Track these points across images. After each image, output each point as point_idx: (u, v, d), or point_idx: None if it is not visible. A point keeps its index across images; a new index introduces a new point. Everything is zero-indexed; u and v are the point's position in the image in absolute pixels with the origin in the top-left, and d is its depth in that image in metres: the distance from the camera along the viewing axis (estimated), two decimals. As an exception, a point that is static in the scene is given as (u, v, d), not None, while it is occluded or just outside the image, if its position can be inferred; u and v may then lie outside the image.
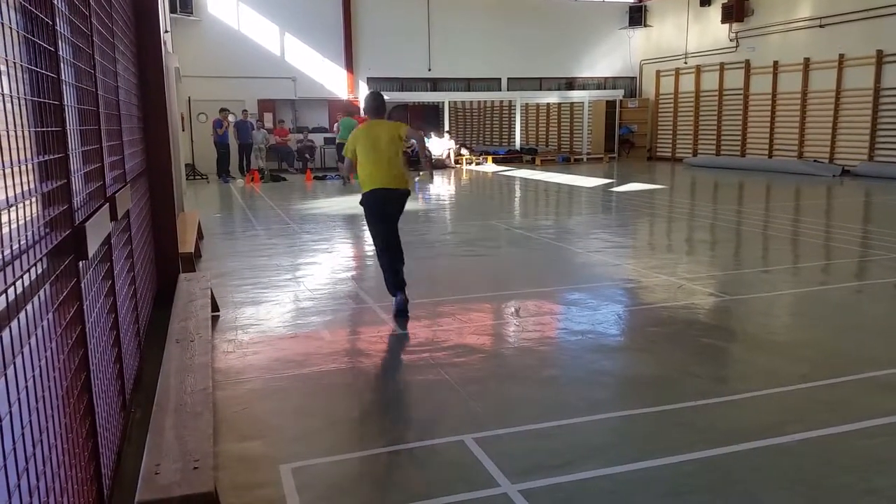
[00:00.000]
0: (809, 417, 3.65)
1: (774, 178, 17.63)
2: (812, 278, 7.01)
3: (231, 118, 19.41)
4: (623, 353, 4.84)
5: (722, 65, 22.26)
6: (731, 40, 21.86)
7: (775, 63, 20.34)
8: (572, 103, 26.10)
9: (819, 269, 7.46)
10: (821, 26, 18.90)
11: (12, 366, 1.67)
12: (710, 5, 22.51)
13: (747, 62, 21.34)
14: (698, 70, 23.25)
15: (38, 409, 1.90)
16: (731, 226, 10.45)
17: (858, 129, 18.15)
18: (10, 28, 1.85)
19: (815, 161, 18.88)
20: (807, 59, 19.31)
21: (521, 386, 4.17)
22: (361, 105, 22.86)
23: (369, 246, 9.68)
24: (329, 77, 22.81)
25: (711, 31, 22.55)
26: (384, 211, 5.71)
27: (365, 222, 5.97)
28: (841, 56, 18.37)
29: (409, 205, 5.99)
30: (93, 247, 2.62)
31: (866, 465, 3.13)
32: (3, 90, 1.72)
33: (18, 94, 1.92)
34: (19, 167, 1.84)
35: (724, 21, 21.64)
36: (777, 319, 5.66)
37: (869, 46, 17.61)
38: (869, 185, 15.56)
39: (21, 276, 1.77)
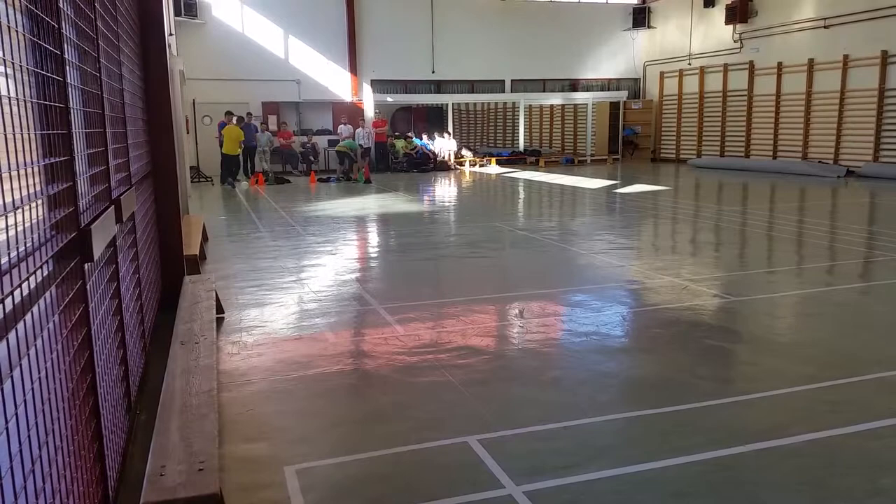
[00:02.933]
0: (815, 418, 3.64)
1: (779, 179, 17.59)
2: (817, 279, 6.99)
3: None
4: (628, 355, 4.83)
5: (726, 66, 22.24)
6: (734, 41, 21.83)
7: (779, 64, 20.31)
8: (576, 105, 26.12)
9: (824, 270, 7.44)
10: (825, 27, 18.87)
11: (18, 367, 1.67)
12: (713, 6, 22.49)
13: (751, 63, 21.32)
14: (702, 71, 23.23)
15: (43, 410, 1.91)
16: (736, 227, 10.43)
17: (863, 130, 18.11)
18: (17, 31, 1.85)
19: (819, 162, 18.85)
20: (811, 60, 19.28)
21: (526, 387, 4.17)
22: (364, 107, 23.08)
23: (373, 248, 9.70)
24: (333, 79, 22.85)
25: (715, 32, 22.54)
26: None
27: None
28: (845, 57, 18.34)
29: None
30: (98, 249, 2.62)
31: (873, 466, 3.12)
32: (9, 93, 1.73)
33: (24, 96, 1.92)
34: (25, 170, 1.85)
35: (727, 22, 21.63)
36: (782, 320, 5.65)
37: (873, 47, 17.57)
38: (874, 186, 15.52)
39: (27, 279, 1.78)
